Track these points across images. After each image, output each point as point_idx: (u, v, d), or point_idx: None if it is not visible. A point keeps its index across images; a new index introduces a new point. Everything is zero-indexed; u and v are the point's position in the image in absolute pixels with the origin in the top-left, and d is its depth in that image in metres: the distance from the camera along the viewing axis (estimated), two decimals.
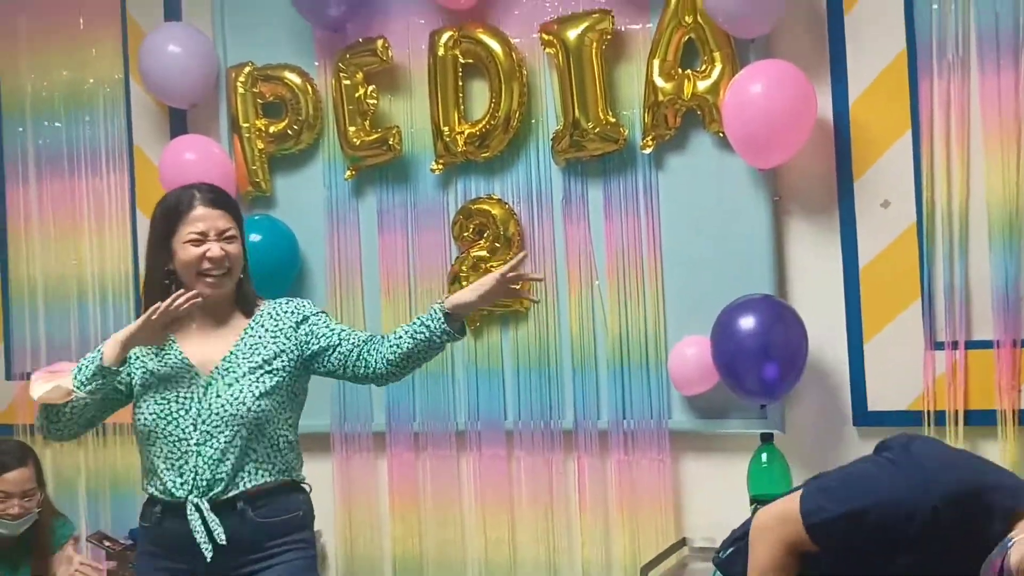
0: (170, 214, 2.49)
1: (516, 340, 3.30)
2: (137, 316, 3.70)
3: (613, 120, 3.13)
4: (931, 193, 2.86)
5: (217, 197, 2.52)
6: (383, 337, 2.53)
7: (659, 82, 3.05)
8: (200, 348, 2.49)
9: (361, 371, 2.51)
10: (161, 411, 2.43)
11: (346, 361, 2.50)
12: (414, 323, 2.49)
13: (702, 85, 3.02)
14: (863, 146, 2.94)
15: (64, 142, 3.95)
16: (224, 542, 2.38)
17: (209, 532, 2.38)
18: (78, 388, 2.40)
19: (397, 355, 2.48)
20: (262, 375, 2.47)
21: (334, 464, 3.51)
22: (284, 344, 2.51)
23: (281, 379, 2.48)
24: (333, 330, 2.53)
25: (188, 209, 2.47)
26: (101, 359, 2.40)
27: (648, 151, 3.11)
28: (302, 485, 2.55)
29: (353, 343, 2.51)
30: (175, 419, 2.43)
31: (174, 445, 2.42)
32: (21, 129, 4.02)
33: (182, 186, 2.57)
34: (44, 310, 4.00)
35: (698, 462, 3.12)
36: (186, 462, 2.41)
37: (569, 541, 3.26)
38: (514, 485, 3.31)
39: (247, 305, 2.56)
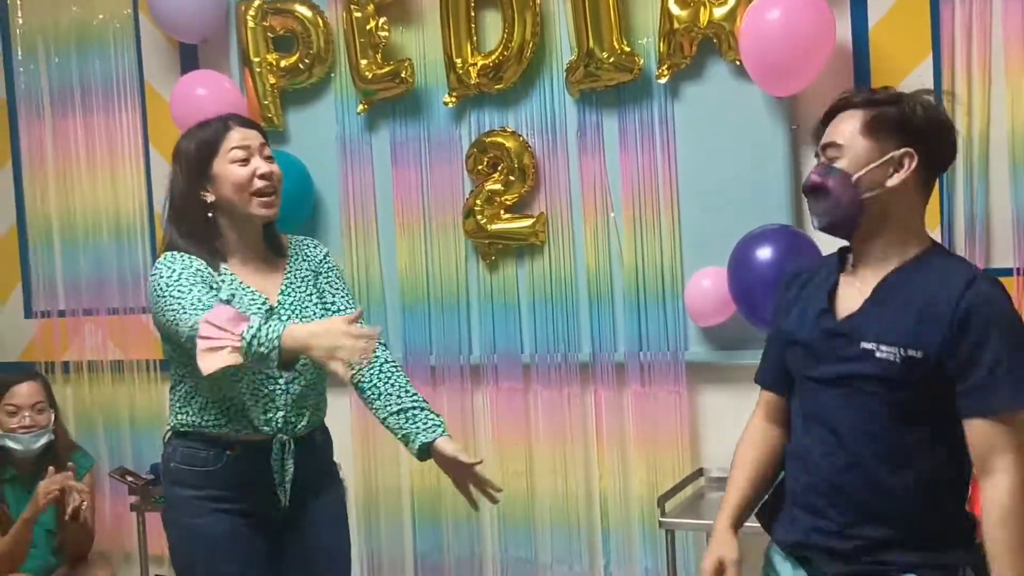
0: (207, 140, 2.34)
1: (532, 273, 3.29)
2: (153, 253, 3.77)
3: (628, 49, 3.08)
4: (952, 119, 2.80)
5: (248, 120, 2.46)
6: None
7: (674, 10, 3.00)
8: (258, 283, 2.38)
9: None
10: None
11: None
12: (401, 415, 2.42)
13: (718, 12, 2.97)
14: (883, 72, 2.88)
15: (76, 79, 3.93)
16: (290, 481, 2.35)
17: (283, 471, 2.35)
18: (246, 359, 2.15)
19: (372, 396, 2.44)
20: (321, 308, 2.43)
21: (351, 399, 3.52)
22: (317, 280, 2.47)
23: (330, 313, 2.44)
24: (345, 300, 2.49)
25: (225, 131, 2.34)
26: (275, 349, 2.11)
27: (663, 80, 3.07)
28: None
29: None
30: None
31: (262, 382, 2.32)
32: (33, 67, 3.99)
33: (205, 119, 2.44)
34: (60, 248, 4.00)
35: (715, 393, 3.13)
36: (273, 399, 2.33)
37: (587, 473, 3.28)
38: (531, 418, 3.33)
39: (276, 240, 2.47)
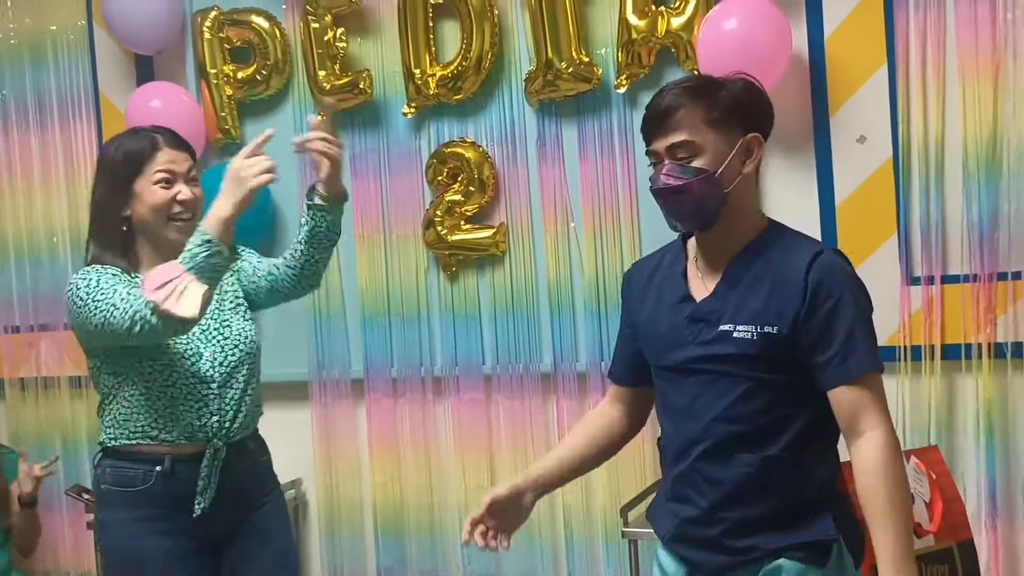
0: (134, 156, 2.32)
1: (493, 284, 3.28)
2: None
3: (587, 59, 3.09)
4: (907, 128, 2.84)
5: (180, 140, 2.42)
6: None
7: (632, 19, 3.01)
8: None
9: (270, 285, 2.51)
10: (184, 351, 2.30)
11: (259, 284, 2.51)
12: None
13: (676, 22, 2.98)
14: (839, 81, 2.91)
15: (29, 91, 3.87)
16: (214, 489, 2.31)
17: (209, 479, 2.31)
18: (211, 284, 2.17)
19: (295, 258, 2.47)
20: (245, 309, 2.45)
21: (313, 412, 3.50)
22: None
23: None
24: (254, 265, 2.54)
25: (153, 150, 2.32)
26: (214, 246, 2.14)
27: (622, 90, 3.08)
28: None
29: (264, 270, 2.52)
30: (194, 358, 2.31)
31: (194, 385, 2.30)
32: None
33: (133, 129, 2.44)
34: (15, 263, 3.93)
35: None
36: (206, 403, 2.30)
37: None
38: (493, 429, 3.31)
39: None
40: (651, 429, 3.09)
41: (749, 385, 1.91)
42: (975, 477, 2.82)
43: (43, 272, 3.89)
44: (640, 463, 3.12)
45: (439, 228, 3.27)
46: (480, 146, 3.26)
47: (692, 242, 2.06)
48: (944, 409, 2.85)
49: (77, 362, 3.85)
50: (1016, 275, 2.77)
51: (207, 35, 3.51)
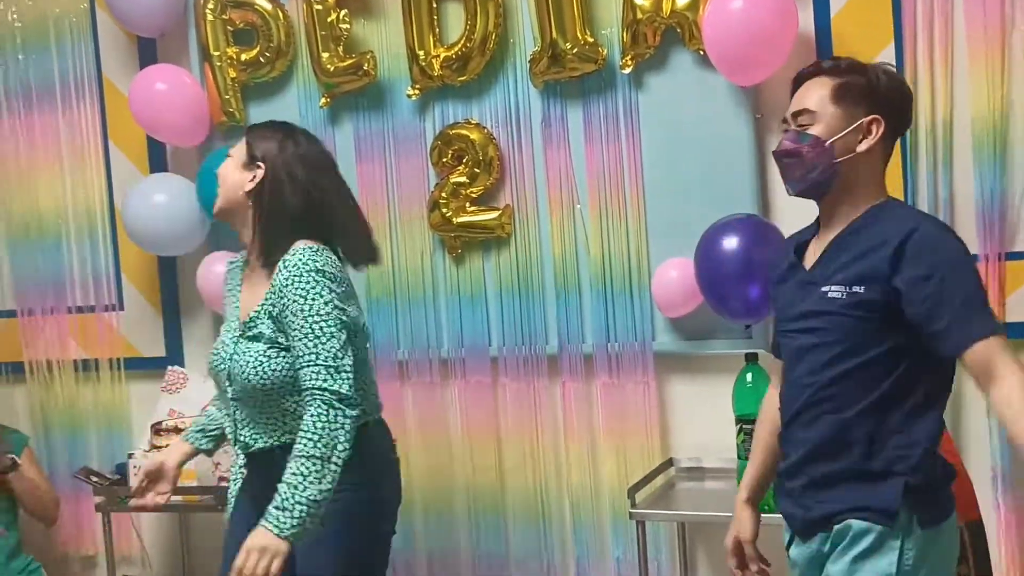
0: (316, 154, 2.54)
1: (498, 266, 3.27)
2: (115, 249, 3.73)
3: (591, 40, 3.07)
4: (915, 108, 2.81)
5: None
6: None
7: None
8: (247, 292, 2.48)
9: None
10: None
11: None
12: None
13: (681, 2, 2.96)
14: None
15: (33, 75, 3.87)
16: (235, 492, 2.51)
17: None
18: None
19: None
20: (273, 346, 2.36)
21: None
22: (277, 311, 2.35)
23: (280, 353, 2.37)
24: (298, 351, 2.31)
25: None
26: None
27: (628, 71, 3.06)
28: None
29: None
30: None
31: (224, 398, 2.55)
32: None
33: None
34: (24, 247, 3.93)
35: (683, 383, 3.13)
36: (231, 415, 2.51)
37: (556, 466, 3.27)
38: (500, 411, 3.31)
39: (265, 254, 2.38)
40: (659, 410, 3.11)
41: (837, 348, 2.02)
42: (984, 457, 2.81)
43: (50, 257, 3.88)
44: (647, 445, 3.12)
45: (444, 210, 3.27)
46: (485, 128, 3.25)
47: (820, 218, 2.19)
48: (953, 389, 2.83)
49: (85, 345, 3.87)
50: None
51: (210, 17, 3.49)
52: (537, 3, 3.08)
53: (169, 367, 3.70)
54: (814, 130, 2.06)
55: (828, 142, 2.05)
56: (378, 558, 2.47)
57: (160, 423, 3.47)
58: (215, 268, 3.44)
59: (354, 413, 2.25)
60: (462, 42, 3.20)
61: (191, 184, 3.49)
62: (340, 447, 2.22)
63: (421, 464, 3.39)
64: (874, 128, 2.06)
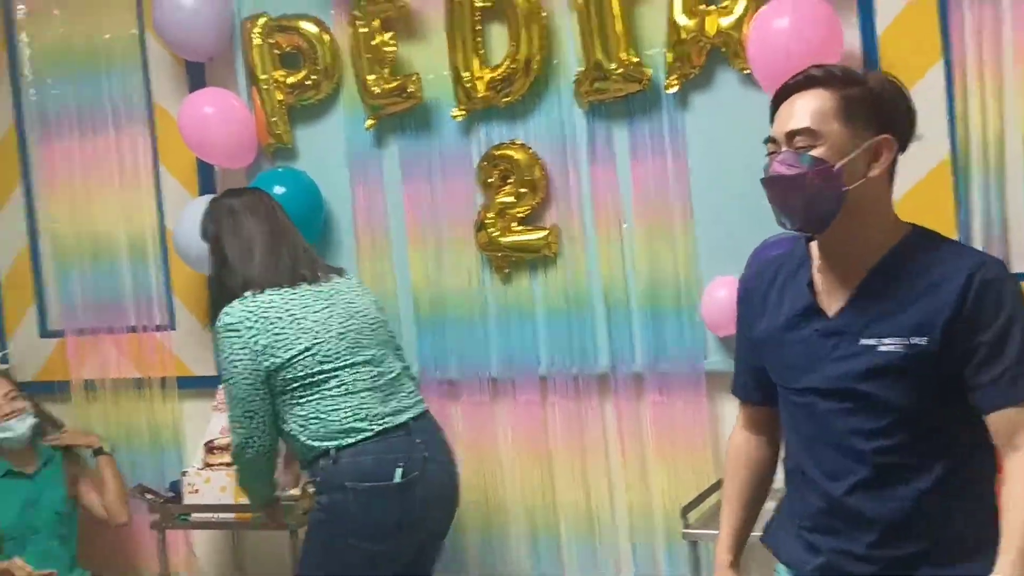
0: None
1: (546, 285, 3.29)
2: (166, 271, 3.81)
3: (636, 60, 3.07)
4: (965, 125, 2.79)
5: None
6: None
7: (681, 20, 2.98)
8: None
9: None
10: None
11: None
12: None
13: (725, 21, 2.96)
14: None
15: (84, 99, 3.92)
16: None
17: None
18: None
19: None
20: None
21: None
22: None
23: None
24: None
25: None
26: None
27: (673, 91, 3.06)
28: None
29: None
30: None
31: None
32: (41, 88, 3.99)
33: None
34: (75, 268, 4.00)
35: (734, 403, 3.10)
36: None
37: (608, 485, 3.28)
38: (549, 431, 3.32)
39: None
40: (711, 429, 3.11)
41: (897, 407, 1.75)
42: None
43: (102, 277, 3.94)
44: (699, 464, 3.13)
45: (491, 230, 3.28)
46: (530, 148, 3.26)
47: (813, 249, 1.89)
48: None
49: (139, 365, 3.92)
50: None
51: (257, 41, 3.53)
52: (581, 24, 3.09)
53: (220, 385, 3.74)
54: (818, 152, 1.75)
55: (836, 166, 1.74)
56: (349, 566, 2.69)
57: (212, 441, 3.51)
58: None
59: (246, 454, 2.76)
60: (506, 63, 3.21)
61: None
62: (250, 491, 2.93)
63: (472, 483, 3.41)
64: (884, 149, 1.78)
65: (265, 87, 3.55)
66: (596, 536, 3.29)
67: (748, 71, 2.94)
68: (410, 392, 2.84)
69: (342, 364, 2.72)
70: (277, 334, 2.68)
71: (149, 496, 3.60)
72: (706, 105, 3.07)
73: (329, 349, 2.71)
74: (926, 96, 2.82)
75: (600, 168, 3.19)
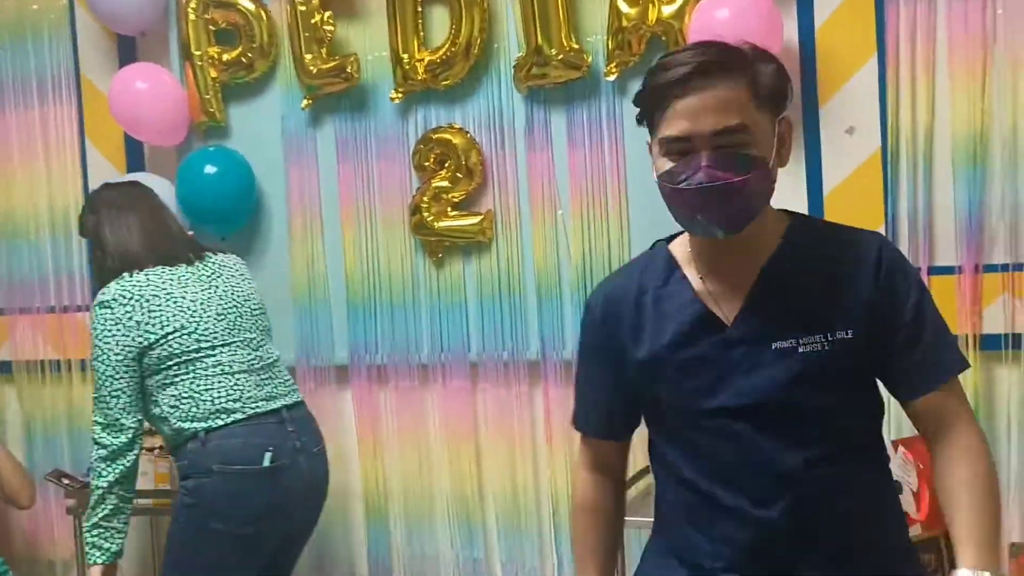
0: None
1: (479, 270, 3.27)
2: (90, 250, 3.69)
3: (576, 47, 3.07)
4: (896, 119, 2.84)
5: None
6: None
7: (623, 7, 2.99)
8: None
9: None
10: None
11: None
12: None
13: (667, 10, 2.97)
14: (828, 72, 2.91)
15: (9, 71, 3.82)
16: None
17: None
18: None
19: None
20: None
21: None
22: None
23: None
24: None
25: None
26: None
27: (612, 78, 3.06)
28: None
29: None
30: None
31: None
32: None
33: None
34: None
35: None
36: None
37: (536, 472, 3.27)
38: (479, 417, 3.30)
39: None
40: None
41: (825, 415, 1.60)
42: None
43: (20, 254, 3.84)
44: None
45: (426, 214, 3.26)
46: (468, 132, 3.24)
47: (679, 253, 1.71)
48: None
49: (56, 347, 3.82)
50: (1003, 267, 2.78)
51: (192, 16, 3.47)
52: (523, 8, 3.09)
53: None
54: (755, 150, 1.55)
55: (771, 162, 1.58)
56: (213, 552, 2.67)
57: None
58: None
59: (108, 442, 2.67)
60: (446, 46, 3.20)
61: (170, 184, 3.46)
62: (97, 478, 2.68)
63: (401, 469, 3.38)
64: (786, 131, 1.63)
65: (199, 64, 3.48)
66: (522, 522, 3.27)
67: None
68: (286, 380, 2.86)
69: (219, 343, 2.72)
70: (152, 311, 2.68)
71: (65, 481, 3.51)
72: None
73: (207, 328, 2.71)
74: (860, 90, 2.89)
75: (537, 154, 3.18)
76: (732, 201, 1.54)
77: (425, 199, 3.26)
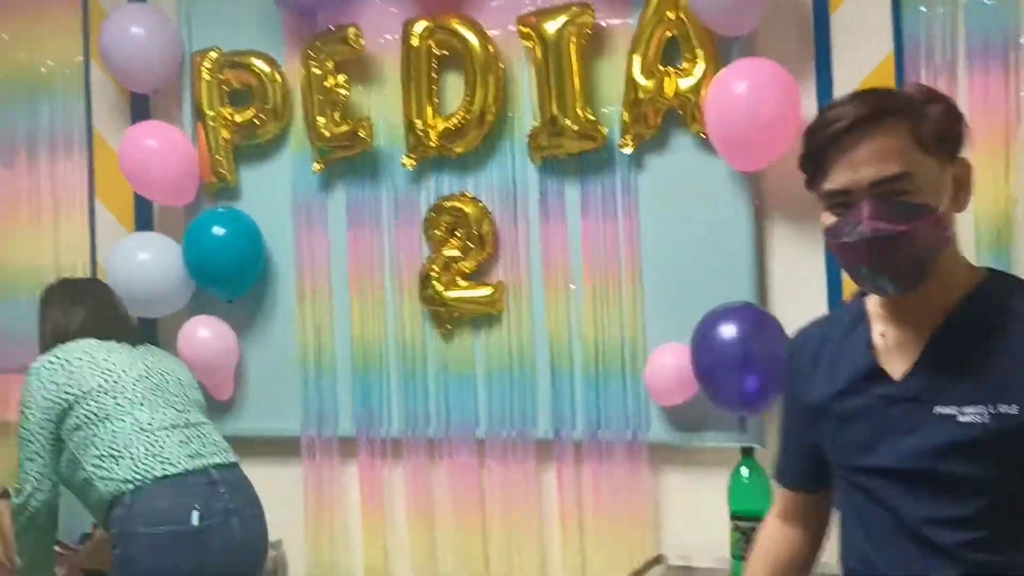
0: None
1: (489, 344, 3.18)
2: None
3: (592, 118, 3.02)
4: None
5: None
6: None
7: (640, 79, 2.94)
8: None
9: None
10: None
11: None
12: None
13: (684, 83, 2.92)
14: None
15: (22, 126, 3.80)
16: None
17: None
18: None
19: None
20: None
21: (304, 470, 3.39)
22: None
23: None
24: None
25: None
26: None
27: (628, 150, 3.00)
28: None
29: None
30: None
31: None
32: None
33: None
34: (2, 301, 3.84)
35: (676, 476, 3.00)
36: None
37: (543, 555, 3.14)
38: (486, 495, 3.19)
39: None
40: (651, 501, 2.99)
41: (985, 493, 1.49)
42: None
43: (20, 311, 3.75)
44: (637, 539, 3.00)
45: (436, 284, 3.19)
46: (480, 201, 3.18)
47: (872, 306, 1.65)
48: None
49: None
50: None
51: (206, 76, 3.44)
52: (538, 78, 3.03)
53: None
54: (921, 198, 1.48)
55: (941, 209, 1.50)
56: None
57: None
58: (198, 332, 3.36)
59: (17, 502, 2.76)
60: (460, 114, 3.15)
61: (177, 244, 3.42)
62: (17, 531, 2.81)
63: (405, 546, 3.28)
64: (965, 175, 1.56)
65: (212, 123, 3.45)
66: None
67: (704, 135, 2.90)
68: (215, 442, 2.83)
69: (138, 402, 2.74)
70: (72, 372, 2.76)
71: (57, 549, 3.43)
72: (660, 167, 3.00)
73: (124, 387, 2.76)
74: None
75: (550, 225, 3.11)
76: (898, 252, 1.49)
77: (435, 268, 3.19)
